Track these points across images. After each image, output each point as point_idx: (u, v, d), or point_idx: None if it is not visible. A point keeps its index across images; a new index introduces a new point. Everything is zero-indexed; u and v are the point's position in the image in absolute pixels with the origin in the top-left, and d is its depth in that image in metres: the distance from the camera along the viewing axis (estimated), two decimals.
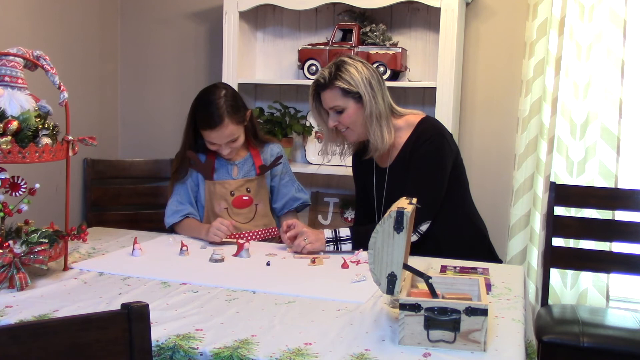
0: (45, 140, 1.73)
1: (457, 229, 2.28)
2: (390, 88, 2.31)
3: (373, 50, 2.95)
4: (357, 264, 2.01)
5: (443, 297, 1.45)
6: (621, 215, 2.70)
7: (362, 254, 2.06)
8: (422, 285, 1.52)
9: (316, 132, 3.14)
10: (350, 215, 3.16)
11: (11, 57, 1.77)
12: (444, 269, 1.94)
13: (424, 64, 3.10)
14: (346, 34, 3.03)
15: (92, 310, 1.54)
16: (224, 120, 2.30)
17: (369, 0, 2.89)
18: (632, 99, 2.93)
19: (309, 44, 3.08)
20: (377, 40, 2.99)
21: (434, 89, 2.84)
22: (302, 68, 3.06)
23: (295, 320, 1.51)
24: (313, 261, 2.01)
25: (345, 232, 2.16)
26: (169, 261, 2.02)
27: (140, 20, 3.55)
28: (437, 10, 2.81)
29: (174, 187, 2.46)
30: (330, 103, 2.20)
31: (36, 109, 1.78)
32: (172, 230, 2.43)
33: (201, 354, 1.32)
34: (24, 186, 1.79)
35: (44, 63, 1.81)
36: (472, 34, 3.07)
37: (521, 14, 2.98)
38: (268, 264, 2.00)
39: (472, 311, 1.34)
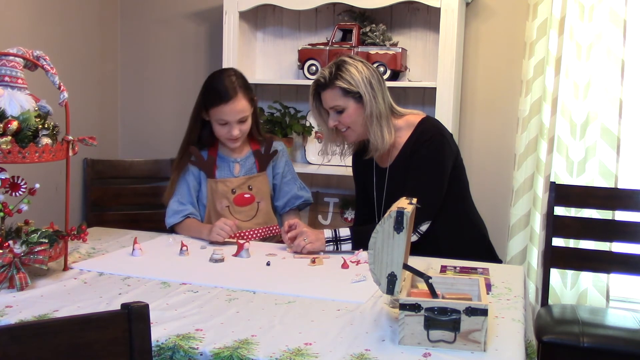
0: (45, 140, 1.73)
1: (457, 229, 2.28)
2: (390, 88, 2.31)
3: (373, 50, 2.95)
4: (357, 264, 2.01)
5: (443, 297, 1.45)
6: (621, 215, 2.70)
7: (362, 254, 2.06)
8: (422, 285, 1.52)
9: (316, 132, 3.14)
10: (350, 215, 3.16)
11: (11, 57, 1.77)
12: (444, 269, 1.94)
13: (424, 64, 3.10)
14: (346, 34, 3.03)
15: (92, 310, 1.54)
16: (237, 93, 2.31)
17: (369, 0, 2.89)
18: (632, 99, 2.93)
19: (309, 44, 3.08)
20: (377, 40, 3.00)
21: (434, 89, 2.84)
22: (302, 68, 3.06)
23: (295, 320, 1.51)
24: (313, 261, 2.01)
25: (345, 232, 2.16)
26: (169, 261, 2.02)
27: (140, 20, 3.55)
28: (437, 10, 2.81)
29: (176, 185, 2.43)
30: (331, 103, 2.20)
31: (36, 109, 1.78)
32: (172, 230, 2.43)
33: (201, 354, 1.32)
34: (24, 186, 1.78)
35: (44, 63, 1.81)
36: (472, 34, 3.07)
37: (521, 14, 2.98)
38: (268, 264, 2.00)
39: (472, 311, 1.34)
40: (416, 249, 2.04)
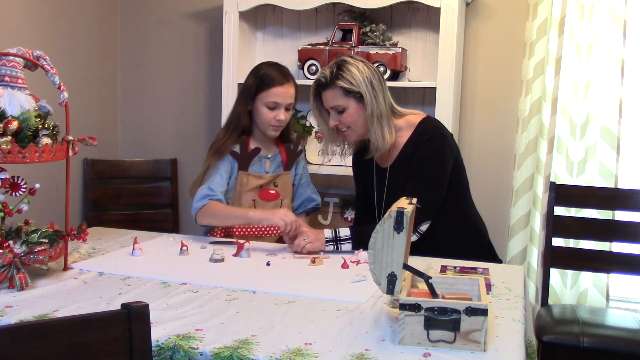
0: (45, 140, 1.73)
1: (457, 229, 2.28)
2: (390, 88, 2.31)
3: (373, 50, 2.95)
4: (357, 264, 2.01)
5: (443, 297, 1.45)
6: (621, 215, 2.70)
7: (362, 254, 2.06)
8: (422, 285, 1.52)
9: (316, 132, 3.13)
10: (350, 215, 3.16)
11: (11, 57, 1.77)
12: (444, 269, 1.94)
13: (424, 64, 3.10)
14: (346, 34, 3.03)
15: (92, 310, 1.54)
16: (290, 79, 2.42)
17: (369, 0, 2.89)
18: (632, 99, 2.93)
19: (309, 44, 3.08)
20: (377, 40, 3.00)
21: (434, 89, 2.84)
22: (302, 68, 3.06)
23: (295, 320, 1.51)
24: (313, 261, 2.01)
25: (345, 232, 2.16)
26: (169, 261, 2.02)
27: (140, 20, 3.55)
28: (437, 10, 2.81)
29: (210, 172, 2.38)
30: (332, 102, 2.20)
31: (36, 109, 1.78)
32: (199, 221, 2.34)
33: (201, 354, 1.32)
34: (24, 186, 1.78)
35: (44, 63, 1.81)
36: (472, 34, 3.07)
37: (521, 14, 2.98)
38: (268, 264, 2.00)
39: (472, 311, 1.34)
40: (416, 249, 2.04)
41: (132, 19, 3.55)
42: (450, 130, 2.45)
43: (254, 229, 2.38)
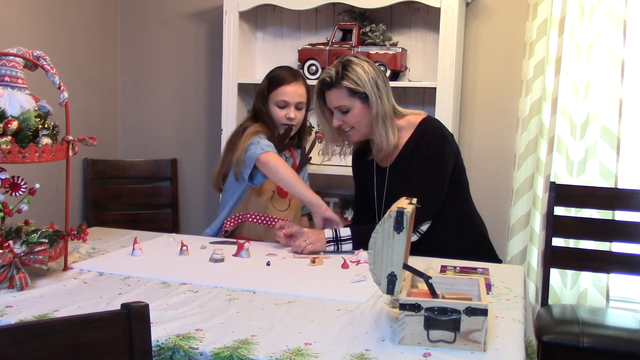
0: (45, 140, 1.73)
1: (457, 229, 2.28)
2: (390, 88, 2.31)
3: (373, 50, 2.95)
4: (357, 264, 2.01)
5: (443, 297, 1.45)
6: (621, 215, 2.70)
7: (362, 254, 2.06)
8: (422, 285, 1.52)
9: (316, 132, 3.14)
10: (350, 215, 3.16)
11: (11, 57, 1.77)
12: (444, 269, 1.94)
13: (424, 64, 3.10)
14: (346, 34, 3.03)
15: (92, 310, 1.54)
16: (299, 79, 2.48)
17: (369, 0, 2.89)
18: (632, 99, 2.93)
19: (309, 44, 3.08)
20: (377, 40, 3.00)
21: (434, 89, 2.84)
22: (302, 68, 3.06)
23: (295, 320, 1.51)
24: (313, 261, 2.01)
25: (345, 232, 2.16)
26: (169, 261, 2.02)
27: (140, 20, 3.55)
28: (437, 10, 2.82)
29: (256, 136, 2.37)
30: (336, 102, 2.20)
31: (36, 109, 1.78)
32: (261, 160, 2.29)
33: (201, 354, 1.32)
34: (24, 186, 1.78)
35: (44, 63, 1.81)
36: (472, 34, 3.07)
37: (521, 14, 2.98)
38: (268, 264, 2.00)
39: (472, 311, 1.34)
40: (416, 249, 2.04)
41: (132, 19, 3.55)
42: (450, 130, 2.45)
43: (268, 218, 2.41)
